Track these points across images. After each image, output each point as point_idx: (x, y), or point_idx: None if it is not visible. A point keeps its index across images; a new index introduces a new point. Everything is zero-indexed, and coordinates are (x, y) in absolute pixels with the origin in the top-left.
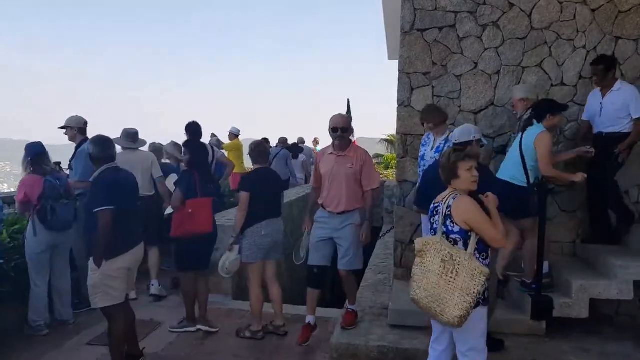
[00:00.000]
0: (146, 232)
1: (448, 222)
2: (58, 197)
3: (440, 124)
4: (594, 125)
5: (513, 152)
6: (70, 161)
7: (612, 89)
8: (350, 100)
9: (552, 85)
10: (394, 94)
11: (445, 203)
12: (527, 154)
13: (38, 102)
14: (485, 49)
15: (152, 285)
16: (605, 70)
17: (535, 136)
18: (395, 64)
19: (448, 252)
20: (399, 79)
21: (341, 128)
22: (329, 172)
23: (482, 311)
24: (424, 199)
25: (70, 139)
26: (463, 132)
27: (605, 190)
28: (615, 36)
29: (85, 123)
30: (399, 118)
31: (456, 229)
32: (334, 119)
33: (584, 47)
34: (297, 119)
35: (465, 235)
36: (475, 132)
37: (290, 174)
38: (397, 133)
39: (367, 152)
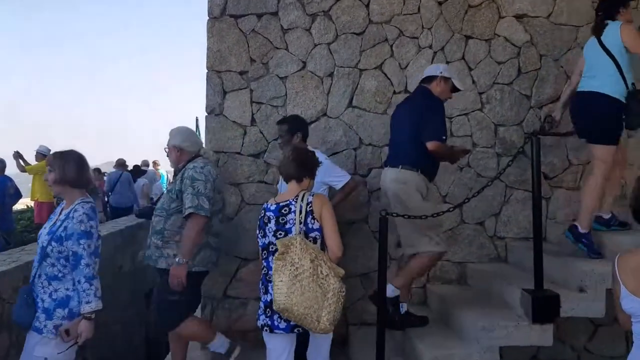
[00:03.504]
0: None
1: (309, 219)
2: None
3: (66, 185)
4: None
5: (595, 59)
6: None
7: None
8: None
9: (394, 93)
10: None
11: (303, 200)
12: (619, 55)
13: None
14: (316, 45)
15: None
16: (289, 132)
17: (619, 30)
18: None
19: (312, 251)
20: (208, 78)
21: None
22: None
23: None
24: None
25: None
26: (431, 66)
27: None
28: (465, 35)
29: None
30: (209, 130)
31: (316, 225)
32: None
33: (430, 47)
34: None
35: (322, 234)
36: (445, 69)
37: (135, 199)
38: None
39: None
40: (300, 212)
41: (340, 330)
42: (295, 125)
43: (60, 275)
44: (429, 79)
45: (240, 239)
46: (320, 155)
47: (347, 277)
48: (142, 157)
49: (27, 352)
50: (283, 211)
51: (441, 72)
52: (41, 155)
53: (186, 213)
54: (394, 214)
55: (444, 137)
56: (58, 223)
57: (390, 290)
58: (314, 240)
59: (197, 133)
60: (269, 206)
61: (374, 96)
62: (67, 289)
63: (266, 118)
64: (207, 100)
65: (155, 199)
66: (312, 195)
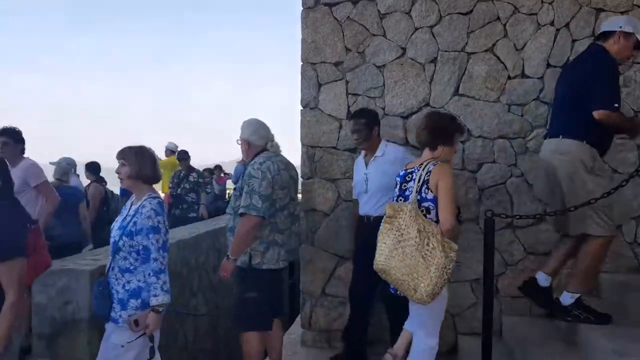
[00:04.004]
0: None
1: (424, 188)
2: None
3: (138, 180)
4: (360, 205)
5: None
6: None
7: (376, 154)
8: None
9: (509, 78)
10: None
11: (424, 169)
12: None
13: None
14: (416, 29)
15: None
16: (367, 126)
17: None
18: None
19: (422, 222)
20: (302, 71)
21: None
22: None
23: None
24: None
25: None
26: (609, 20)
27: None
28: (595, 7)
29: None
30: (303, 124)
31: (430, 196)
32: None
33: (552, 23)
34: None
35: (436, 204)
36: (626, 22)
37: None
38: (302, 145)
39: None
40: (419, 180)
41: (448, 339)
42: (374, 119)
43: (132, 267)
44: (605, 35)
45: (338, 236)
46: (397, 149)
47: (455, 282)
48: None
49: (105, 341)
50: (407, 178)
51: (621, 27)
52: (170, 151)
53: (239, 212)
54: (502, 215)
55: (617, 105)
56: (128, 218)
57: (568, 297)
58: (427, 210)
59: None
60: (400, 172)
61: (485, 82)
62: (139, 281)
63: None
64: (302, 93)
65: None
66: (435, 165)
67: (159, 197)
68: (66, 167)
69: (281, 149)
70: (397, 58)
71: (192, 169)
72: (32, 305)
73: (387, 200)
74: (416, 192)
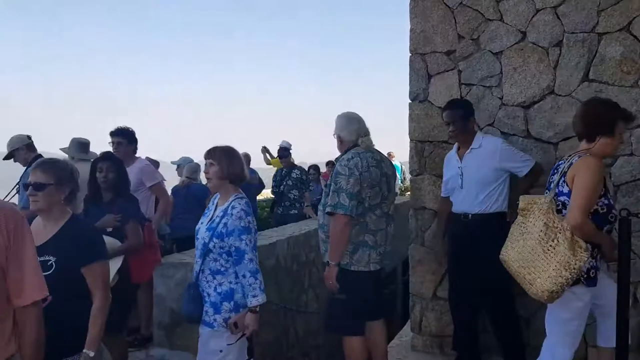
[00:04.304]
0: None
1: (561, 181)
2: None
3: (226, 180)
4: (455, 203)
5: None
6: (19, 183)
7: (472, 146)
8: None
9: None
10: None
11: (568, 161)
12: None
13: None
14: (538, 11)
15: None
16: (464, 117)
17: None
18: None
19: (551, 217)
20: (411, 62)
21: None
22: None
23: (578, 290)
24: None
25: (24, 163)
26: None
27: None
28: None
29: (30, 137)
30: (412, 118)
31: (565, 189)
32: None
33: None
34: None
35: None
36: None
37: None
38: (410, 140)
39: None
40: (561, 173)
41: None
42: (470, 110)
43: (222, 269)
44: None
45: None
46: (495, 140)
47: None
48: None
49: (202, 346)
50: (554, 171)
51: None
52: (283, 149)
53: (326, 211)
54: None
55: None
56: (217, 219)
57: None
58: (563, 205)
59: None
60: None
61: (620, 65)
62: (230, 282)
63: (477, 101)
64: (410, 85)
65: None
66: (580, 157)
67: (245, 197)
68: (195, 166)
69: (374, 143)
70: (516, 43)
71: (294, 166)
72: (153, 296)
73: (485, 195)
74: (556, 185)
